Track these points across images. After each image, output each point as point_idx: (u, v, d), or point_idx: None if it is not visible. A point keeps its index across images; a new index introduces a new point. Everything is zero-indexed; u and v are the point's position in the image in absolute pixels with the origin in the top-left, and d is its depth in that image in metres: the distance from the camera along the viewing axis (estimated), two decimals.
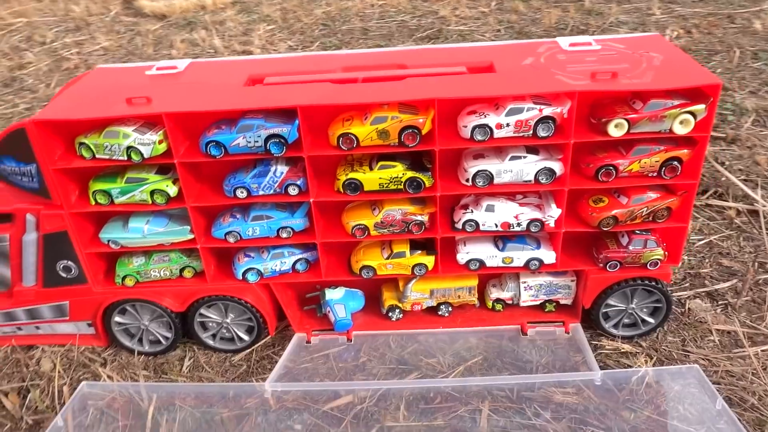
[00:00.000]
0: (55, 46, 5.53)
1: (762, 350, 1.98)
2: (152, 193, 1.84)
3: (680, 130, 1.71)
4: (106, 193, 1.84)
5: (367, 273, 1.98)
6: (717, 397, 1.75)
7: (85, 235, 1.94)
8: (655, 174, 1.80)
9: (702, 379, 1.82)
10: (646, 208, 1.85)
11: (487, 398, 1.87)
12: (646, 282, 1.95)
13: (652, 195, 1.84)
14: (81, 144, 1.78)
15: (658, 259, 1.92)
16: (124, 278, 2.00)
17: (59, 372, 2.06)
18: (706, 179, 2.80)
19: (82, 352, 2.14)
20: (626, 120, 1.70)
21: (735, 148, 3.05)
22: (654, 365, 1.94)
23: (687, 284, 2.28)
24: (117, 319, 2.07)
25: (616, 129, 1.71)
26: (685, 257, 2.40)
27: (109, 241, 1.93)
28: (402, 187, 1.82)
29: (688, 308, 2.16)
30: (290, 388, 1.93)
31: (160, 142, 1.75)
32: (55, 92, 4.46)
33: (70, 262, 1.96)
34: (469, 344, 2.07)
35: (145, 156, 1.75)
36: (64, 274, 1.98)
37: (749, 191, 2.67)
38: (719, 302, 2.20)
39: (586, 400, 1.84)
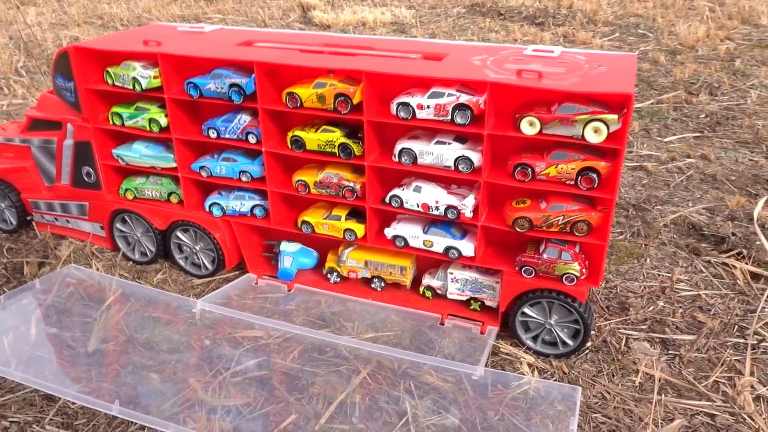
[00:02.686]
0: None
1: (671, 401, 1.81)
2: (149, 121, 2.22)
3: (592, 138, 1.68)
4: (119, 116, 2.27)
5: (307, 228, 2.17)
6: (574, 418, 1.66)
7: (104, 149, 2.39)
8: (572, 182, 1.77)
9: (575, 402, 1.73)
10: (562, 217, 1.82)
11: (372, 364, 1.95)
12: (562, 297, 1.90)
13: (572, 206, 1.81)
14: (106, 72, 2.23)
15: (574, 275, 1.86)
16: (126, 191, 2.41)
17: (70, 258, 2.52)
18: (736, 239, 2.55)
19: (92, 249, 2.60)
20: (537, 119, 1.72)
21: None
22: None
23: (644, 327, 2.13)
24: (118, 225, 2.49)
25: (530, 127, 1.74)
26: (661, 303, 2.23)
27: (118, 156, 2.36)
28: (335, 151, 2.00)
29: (628, 347, 2.03)
30: (216, 309, 2.19)
31: (155, 77, 2.13)
32: None
33: (90, 169, 2.42)
34: (390, 320, 2.15)
35: (143, 87, 2.14)
36: (86, 179, 2.45)
37: None
38: (669, 351, 2.03)
39: (460, 391, 1.84)
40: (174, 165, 2.27)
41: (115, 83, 2.21)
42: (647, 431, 1.70)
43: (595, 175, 1.74)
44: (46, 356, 1.99)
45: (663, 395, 1.83)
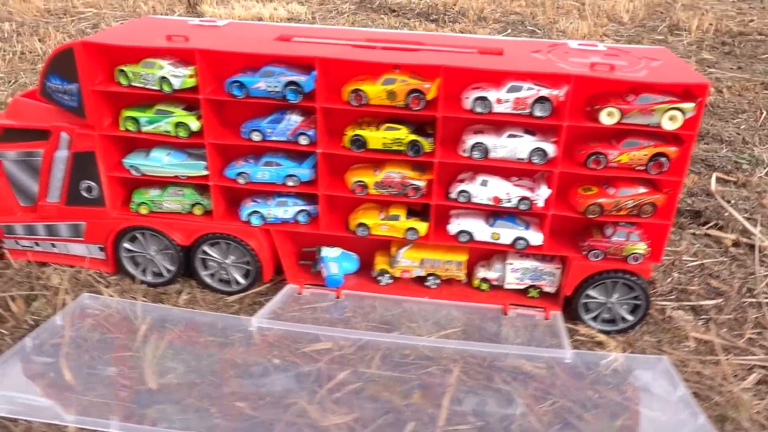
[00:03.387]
0: None
1: (735, 360, 2.01)
2: (176, 125, 2.00)
3: (669, 125, 1.81)
4: (135, 120, 2.02)
5: (363, 231, 2.10)
6: (678, 384, 1.79)
7: (111, 159, 2.11)
8: (642, 168, 1.90)
9: (668, 370, 1.87)
10: (631, 201, 1.94)
11: (459, 361, 1.94)
12: (627, 276, 2.02)
13: (639, 189, 1.94)
14: (120, 71, 1.97)
15: (640, 254, 1.99)
16: (139, 205, 2.15)
17: (66, 287, 2.20)
18: (709, 212, 2.87)
19: (89, 274, 2.28)
20: (618, 109, 1.81)
21: (744, 191, 3.11)
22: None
23: (673, 297, 2.33)
24: (126, 245, 2.21)
25: (608, 117, 1.83)
26: (675, 274, 2.45)
27: (131, 167, 2.10)
28: (403, 148, 1.95)
29: (669, 316, 2.21)
30: (274, 325, 2.04)
31: (191, 76, 1.92)
32: None
33: (92, 183, 2.13)
34: (451, 316, 2.15)
35: (175, 87, 1.93)
36: (85, 194, 2.15)
37: (749, 226, 2.72)
38: (701, 316, 2.24)
39: (554, 375, 1.90)
40: (205, 173, 2.07)
41: (133, 83, 1.97)
42: (733, 387, 1.87)
43: (664, 160, 1.87)
44: (103, 400, 1.73)
45: (725, 355, 2.02)
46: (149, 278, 2.25)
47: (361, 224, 2.09)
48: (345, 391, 1.81)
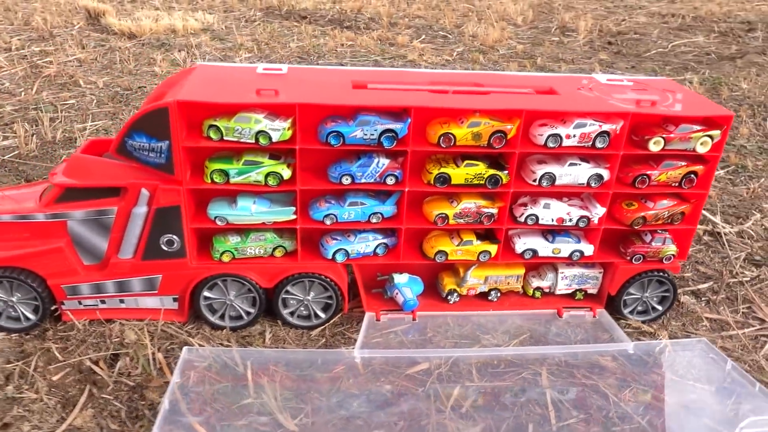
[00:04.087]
0: (23, 53, 5.46)
1: (745, 332, 2.47)
2: (267, 175, 2.07)
3: (701, 149, 2.20)
4: (224, 173, 2.06)
5: (441, 257, 2.29)
6: (727, 359, 2.20)
7: (196, 212, 2.12)
8: (676, 184, 2.27)
9: (711, 348, 2.27)
10: (667, 212, 2.31)
11: (544, 364, 2.21)
12: (661, 274, 2.41)
13: (672, 202, 2.31)
14: (211, 126, 1.99)
15: (672, 255, 2.38)
16: (222, 254, 2.18)
17: (148, 342, 2.17)
18: None
19: (163, 325, 2.27)
20: (663, 138, 2.16)
21: None
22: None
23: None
24: (206, 293, 2.23)
25: (655, 145, 2.17)
26: None
27: (216, 217, 2.12)
28: (483, 182, 2.17)
29: (681, 302, 2.64)
30: (376, 354, 2.18)
31: (289, 129, 2.00)
32: (42, 96, 4.47)
33: (174, 236, 2.12)
34: (516, 324, 2.42)
35: (273, 140, 2.00)
36: (165, 248, 2.14)
37: (711, 217, 3.26)
38: (702, 299, 2.70)
39: (622, 365, 2.23)
40: (294, 217, 2.16)
41: (225, 137, 2.00)
42: (755, 355, 2.32)
43: (694, 176, 2.26)
44: None
45: (738, 330, 2.48)
46: (227, 323, 2.28)
47: (439, 251, 2.29)
48: (467, 405, 2.01)
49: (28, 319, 2.20)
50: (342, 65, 5.62)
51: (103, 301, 2.23)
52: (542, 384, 2.13)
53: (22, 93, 4.61)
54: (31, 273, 2.13)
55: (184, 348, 2.10)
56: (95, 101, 4.56)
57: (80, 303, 2.22)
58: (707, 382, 2.16)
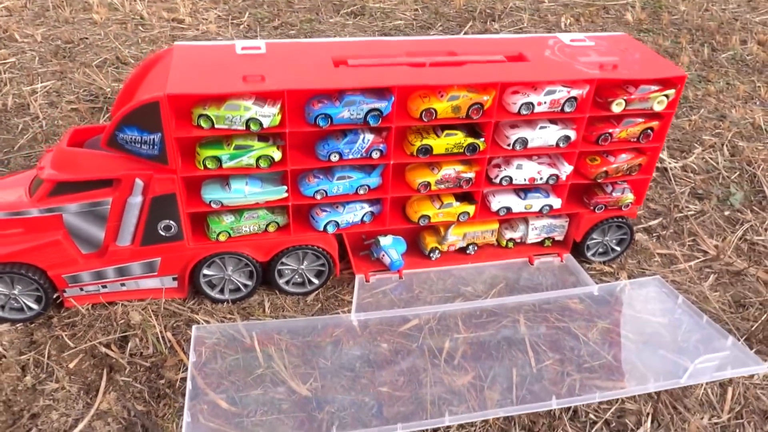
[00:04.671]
0: None
1: (690, 265, 2.78)
2: (258, 158, 2.14)
3: (658, 108, 2.38)
4: (217, 159, 2.12)
5: (424, 221, 2.46)
6: (678, 295, 2.50)
7: (192, 198, 2.19)
8: (635, 139, 2.47)
9: (663, 285, 2.57)
10: (626, 165, 2.52)
11: (521, 311, 2.46)
12: (621, 220, 2.65)
13: (630, 155, 2.52)
14: (201, 115, 2.03)
15: (630, 202, 2.62)
16: (219, 234, 2.27)
17: (154, 321, 2.29)
18: None
19: (166, 303, 2.38)
20: (624, 100, 2.33)
21: None
22: (628, 278, 2.66)
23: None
24: (205, 271, 2.34)
25: (617, 107, 2.34)
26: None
27: (211, 201, 2.20)
28: (462, 150, 2.31)
29: (635, 239, 2.91)
30: (371, 316, 2.37)
31: (278, 114, 2.06)
32: None
33: (171, 222, 2.20)
34: (493, 274, 2.64)
35: (264, 126, 2.06)
36: (163, 233, 2.21)
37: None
38: (653, 234, 2.98)
39: (589, 306, 2.50)
40: (285, 196, 2.25)
41: (216, 126, 2.05)
42: (700, 287, 2.63)
43: (650, 132, 2.46)
44: (275, 416, 1.99)
45: (686, 263, 2.78)
46: (227, 296, 2.41)
47: (422, 216, 2.44)
48: (457, 356, 2.25)
49: (31, 308, 2.26)
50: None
51: (104, 286, 2.30)
52: (521, 331, 2.38)
53: None
54: (32, 266, 2.18)
55: (194, 327, 2.23)
56: (38, 58, 4.35)
57: (82, 289, 2.29)
58: (661, 316, 2.46)
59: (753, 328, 2.46)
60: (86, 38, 4.70)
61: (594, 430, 2.05)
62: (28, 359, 2.16)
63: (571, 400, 2.08)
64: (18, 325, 2.27)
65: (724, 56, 4.90)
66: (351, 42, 2.46)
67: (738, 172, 3.45)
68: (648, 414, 2.11)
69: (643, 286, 2.59)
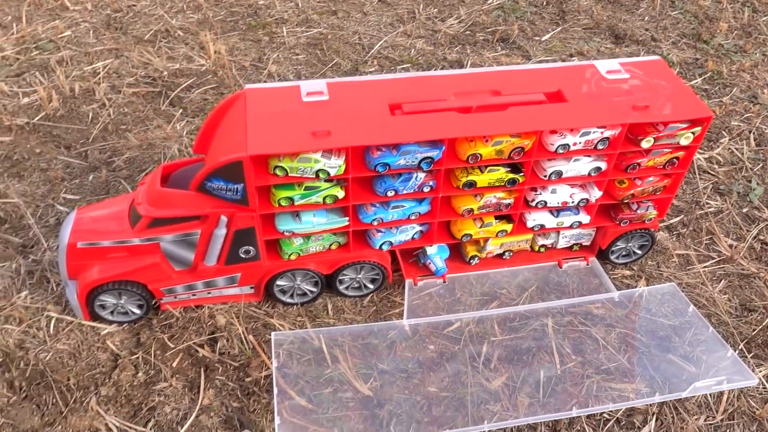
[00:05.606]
0: None
1: (704, 267, 3.09)
2: (325, 197, 2.47)
3: (684, 143, 2.61)
4: (290, 198, 2.45)
5: (467, 237, 2.79)
6: (689, 304, 2.84)
7: (268, 229, 2.55)
8: (661, 167, 2.72)
9: (677, 293, 2.90)
10: (651, 187, 2.78)
11: (549, 315, 2.83)
12: (644, 231, 2.95)
13: (656, 178, 2.78)
14: (276, 166, 2.34)
15: (653, 217, 2.90)
16: (290, 255, 2.65)
17: (238, 325, 2.72)
18: None
19: (245, 307, 2.80)
20: (654, 138, 2.56)
21: None
22: (646, 283, 3.00)
23: None
24: (278, 282, 2.74)
25: (646, 143, 2.58)
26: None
27: (285, 231, 2.55)
28: (503, 183, 2.60)
29: (657, 239, 3.21)
30: (420, 321, 2.77)
31: (342, 165, 2.37)
32: (38, 31, 4.46)
33: (250, 247, 2.57)
34: (526, 277, 3.00)
35: (331, 175, 2.37)
36: (244, 256, 2.59)
37: None
38: (674, 233, 3.27)
39: (609, 311, 2.86)
40: (346, 224, 2.59)
41: (290, 174, 2.37)
42: (711, 291, 2.96)
43: (676, 160, 2.70)
44: (343, 413, 2.45)
45: (700, 264, 3.09)
46: (296, 300, 2.82)
47: (465, 234, 2.77)
48: (494, 360, 2.66)
49: (134, 313, 2.70)
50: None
51: (193, 294, 2.73)
52: (549, 334, 2.77)
53: (14, 26, 4.58)
54: (136, 283, 2.60)
55: (272, 333, 2.66)
56: (91, 31, 4.57)
57: (175, 297, 2.72)
58: (672, 323, 2.82)
59: (754, 333, 2.81)
60: (134, 5, 4.87)
61: (606, 428, 2.48)
62: (138, 358, 2.63)
63: (587, 411, 2.48)
64: (124, 325, 2.73)
65: (764, 19, 4.89)
66: (402, 79, 2.68)
67: (761, 164, 3.65)
68: (653, 414, 2.52)
69: (659, 293, 2.93)
